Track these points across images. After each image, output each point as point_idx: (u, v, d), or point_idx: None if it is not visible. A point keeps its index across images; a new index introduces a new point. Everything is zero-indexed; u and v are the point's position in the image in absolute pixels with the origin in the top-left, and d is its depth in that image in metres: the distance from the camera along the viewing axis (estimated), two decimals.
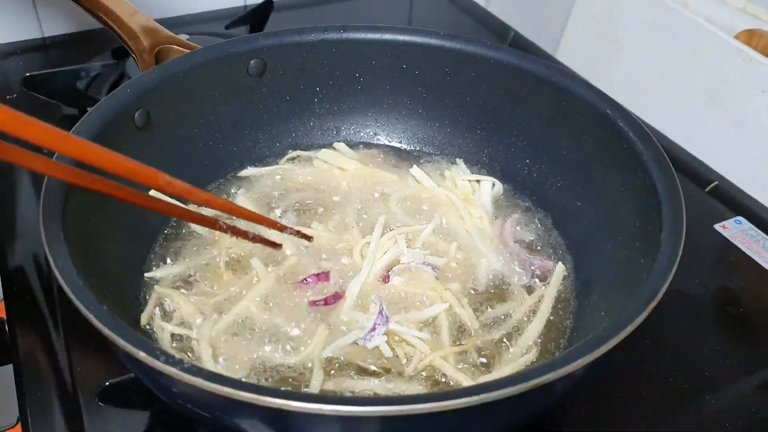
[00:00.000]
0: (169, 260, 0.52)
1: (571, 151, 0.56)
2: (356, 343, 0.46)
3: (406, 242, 0.53)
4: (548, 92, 0.56)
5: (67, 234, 0.40)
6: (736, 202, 0.70)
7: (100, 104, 0.49)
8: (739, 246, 0.65)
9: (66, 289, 0.36)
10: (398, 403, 0.32)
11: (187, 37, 0.64)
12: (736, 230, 0.67)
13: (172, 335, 0.47)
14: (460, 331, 0.48)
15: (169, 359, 0.33)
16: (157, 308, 0.48)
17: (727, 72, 0.74)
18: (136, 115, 0.52)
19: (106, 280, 0.43)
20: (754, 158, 0.72)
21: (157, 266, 0.51)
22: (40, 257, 0.58)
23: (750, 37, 0.75)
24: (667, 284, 0.37)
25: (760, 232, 0.66)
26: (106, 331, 0.34)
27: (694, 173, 0.73)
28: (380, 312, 0.47)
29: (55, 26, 0.92)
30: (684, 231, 0.41)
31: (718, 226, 0.67)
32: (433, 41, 0.60)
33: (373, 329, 0.46)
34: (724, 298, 0.59)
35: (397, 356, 0.46)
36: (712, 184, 0.71)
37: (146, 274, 0.50)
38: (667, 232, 0.41)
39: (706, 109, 0.78)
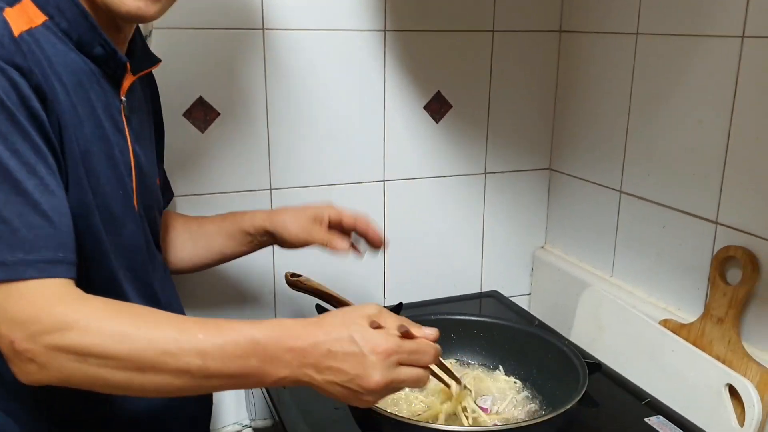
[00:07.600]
0: None
1: (551, 363, 1.19)
2: None
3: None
4: (536, 340, 1.22)
5: None
6: (660, 408, 1.24)
7: None
8: (659, 430, 1.19)
9: None
10: None
11: None
12: (656, 422, 1.21)
13: None
14: None
15: None
16: None
17: (656, 340, 1.36)
18: None
19: None
20: (670, 386, 1.30)
21: None
22: None
23: (666, 323, 1.38)
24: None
25: (673, 426, 1.20)
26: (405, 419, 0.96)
27: (637, 393, 1.30)
28: None
29: None
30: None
31: (646, 419, 1.22)
32: (487, 320, 1.29)
33: None
34: None
35: None
36: (647, 399, 1.28)
37: None
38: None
39: (649, 361, 1.38)
